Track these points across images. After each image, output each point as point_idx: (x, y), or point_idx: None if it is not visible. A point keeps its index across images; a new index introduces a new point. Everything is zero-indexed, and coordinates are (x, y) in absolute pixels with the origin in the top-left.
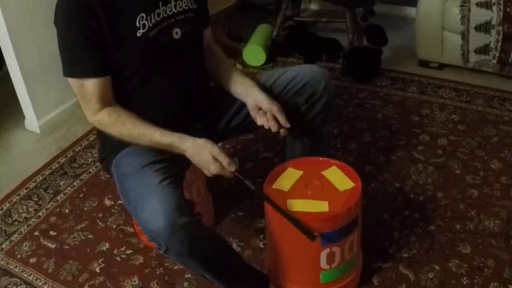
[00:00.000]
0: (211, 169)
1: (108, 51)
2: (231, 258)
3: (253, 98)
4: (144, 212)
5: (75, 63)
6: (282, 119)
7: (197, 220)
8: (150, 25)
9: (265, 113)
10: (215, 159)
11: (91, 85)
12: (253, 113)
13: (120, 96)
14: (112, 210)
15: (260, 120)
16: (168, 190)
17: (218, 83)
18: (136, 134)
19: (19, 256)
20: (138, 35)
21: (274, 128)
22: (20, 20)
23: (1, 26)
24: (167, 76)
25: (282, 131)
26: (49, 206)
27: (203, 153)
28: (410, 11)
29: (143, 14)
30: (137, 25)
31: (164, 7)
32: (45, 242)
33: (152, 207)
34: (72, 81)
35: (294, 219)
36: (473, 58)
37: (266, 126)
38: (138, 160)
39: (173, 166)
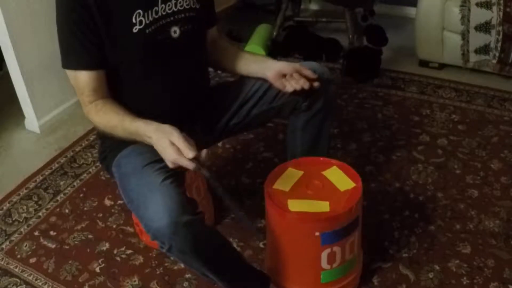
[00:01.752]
0: (168, 155)
1: (104, 47)
2: (233, 257)
3: (272, 68)
4: (147, 211)
5: (71, 55)
6: (309, 72)
7: (200, 219)
8: (147, 22)
9: (291, 76)
10: (172, 144)
11: (84, 77)
12: (277, 83)
13: (118, 93)
14: (112, 210)
15: (290, 85)
16: (171, 188)
17: (230, 70)
18: (113, 122)
19: (19, 256)
20: (134, 31)
21: (306, 85)
22: (20, 20)
23: (1, 26)
24: (165, 75)
25: (315, 84)
26: (49, 206)
27: (162, 138)
28: (410, 11)
29: (140, 11)
30: (133, 21)
31: (163, 5)
32: (45, 242)
33: (155, 205)
34: (68, 72)
35: (239, 210)
36: (473, 58)
37: (298, 87)
38: (140, 159)
39: None
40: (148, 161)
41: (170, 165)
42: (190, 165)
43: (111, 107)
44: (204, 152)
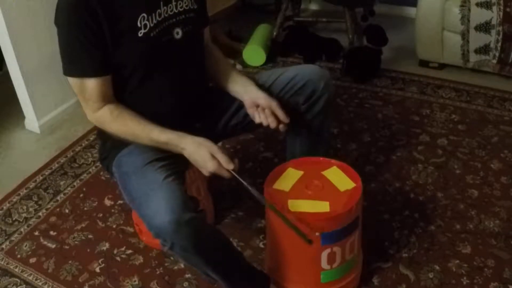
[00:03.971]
0: (208, 166)
1: (108, 50)
2: (235, 256)
3: (251, 95)
4: (149, 208)
5: (75, 62)
6: (281, 114)
7: (201, 217)
8: (152, 25)
9: (263, 110)
10: (213, 157)
11: (91, 84)
12: (250, 111)
13: (119, 97)
14: (112, 210)
15: (258, 117)
16: (173, 186)
17: (215, 82)
18: (136, 131)
19: (19, 256)
20: (140, 35)
21: (273, 124)
22: (20, 20)
23: (1, 26)
24: (167, 76)
25: (281, 126)
26: (49, 206)
27: (201, 151)
28: (410, 11)
29: (144, 14)
30: (139, 25)
31: (165, 7)
32: (45, 242)
33: (157, 203)
34: (71, 80)
35: (292, 223)
36: (473, 58)
37: (265, 123)
38: (140, 158)
39: (175, 163)
40: (149, 159)
41: (207, 174)
42: (228, 175)
43: (129, 115)
44: (237, 161)
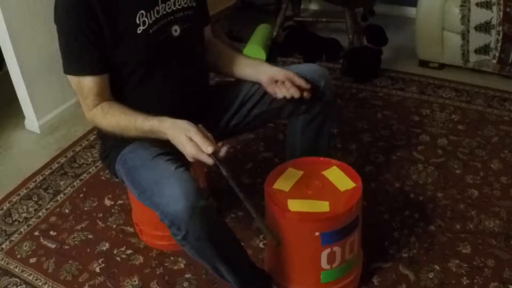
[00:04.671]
0: (187, 151)
1: (107, 49)
2: (242, 251)
3: (266, 73)
4: (163, 197)
5: (74, 61)
6: (301, 82)
7: (213, 206)
8: (150, 22)
9: (283, 83)
10: (191, 140)
11: (88, 82)
12: (270, 88)
13: (119, 95)
14: (112, 210)
15: (280, 92)
16: (185, 175)
17: (225, 73)
18: (124, 123)
19: (19, 256)
20: (138, 32)
21: (296, 94)
22: (20, 20)
23: (1, 26)
24: (166, 74)
25: (305, 94)
26: (49, 206)
27: (179, 134)
28: (410, 11)
29: (142, 11)
30: (137, 22)
31: (163, 4)
32: (45, 242)
33: (172, 190)
34: (70, 78)
35: (261, 220)
36: (473, 58)
37: (288, 95)
38: (147, 152)
39: (181, 158)
40: (156, 153)
41: (191, 160)
42: (209, 161)
43: (118, 108)
44: (224, 149)
